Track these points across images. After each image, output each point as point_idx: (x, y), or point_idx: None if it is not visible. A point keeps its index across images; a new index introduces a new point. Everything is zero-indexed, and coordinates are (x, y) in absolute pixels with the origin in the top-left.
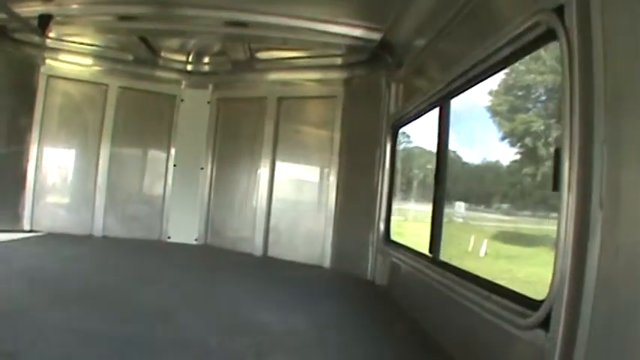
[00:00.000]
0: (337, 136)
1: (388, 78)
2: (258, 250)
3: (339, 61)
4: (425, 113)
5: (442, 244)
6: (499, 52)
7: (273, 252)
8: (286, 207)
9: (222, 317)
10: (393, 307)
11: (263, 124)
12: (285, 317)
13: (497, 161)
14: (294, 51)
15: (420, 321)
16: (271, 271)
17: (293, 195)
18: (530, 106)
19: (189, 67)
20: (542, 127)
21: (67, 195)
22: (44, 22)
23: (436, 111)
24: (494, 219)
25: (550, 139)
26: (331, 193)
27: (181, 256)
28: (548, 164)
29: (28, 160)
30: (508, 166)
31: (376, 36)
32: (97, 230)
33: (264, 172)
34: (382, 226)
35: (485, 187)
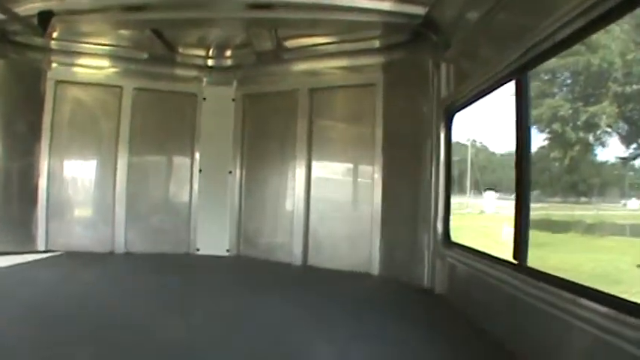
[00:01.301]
0: (379, 128)
1: (436, 59)
2: (297, 259)
3: (376, 43)
4: (490, 92)
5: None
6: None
7: (313, 260)
8: (326, 210)
9: None
10: (464, 323)
11: (295, 120)
12: (359, 352)
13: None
14: (326, 36)
15: (507, 343)
16: (318, 285)
17: (333, 196)
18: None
19: (210, 63)
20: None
21: (83, 210)
22: (44, 19)
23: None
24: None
25: None
26: (376, 192)
27: (213, 271)
28: None
29: (39, 175)
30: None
31: (419, 11)
32: (119, 246)
33: (299, 172)
34: (440, 227)
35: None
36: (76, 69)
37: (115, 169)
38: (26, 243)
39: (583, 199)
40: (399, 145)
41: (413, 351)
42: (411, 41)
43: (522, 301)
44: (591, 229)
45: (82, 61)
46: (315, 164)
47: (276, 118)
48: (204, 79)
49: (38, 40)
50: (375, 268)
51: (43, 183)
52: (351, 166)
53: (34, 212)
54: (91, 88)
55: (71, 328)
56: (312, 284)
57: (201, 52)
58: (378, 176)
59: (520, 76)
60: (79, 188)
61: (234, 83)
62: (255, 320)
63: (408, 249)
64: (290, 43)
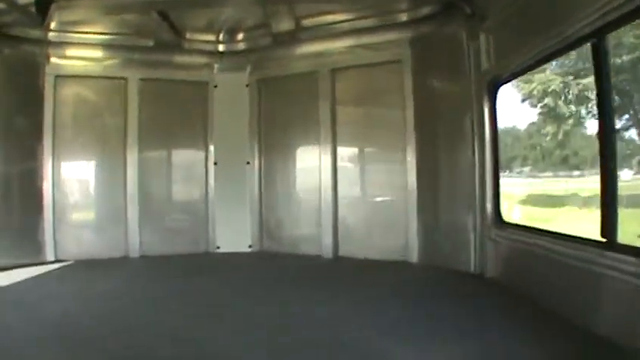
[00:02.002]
0: (409, 107)
1: (471, 30)
2: (327, 251)
3: (402, 17)
4: (551, 59)
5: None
6: None
7: (345, 251)
8: (355, 197)
9: None
10: (539, 311)
11: (316, 104)
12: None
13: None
14: (347, 12)
15: (612, 336)
16: (357, 277)
17: (361, 182)
18: None
19: (220, 47)
20: None
21: (93, 213)
22: (43, 6)
23: None
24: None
25: None
26: (410, 175)
27: (239, 270)
28: None
29: (42, 178)
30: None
31: None
32: (133, 250)
33: (324, 159)
34: (490, 207)
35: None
36: (76, 62)
37: (125, 167)
38: (33, 254)
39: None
40: (433, 124)
41: (509, 350)
42: (440, 13)
43: (620, 281)
44: None
45: (82, 52)
46: (340, 149)
47: (294, 103)
48: (215, 66)
49: (34, 32)
50: (414, 256)
51: (47, 187)
52: (379, 149)
53: (40, 220)
54: (93, 82)
55: (109, 348)
56: (353, 276)
57: (211, 37)
58: (411, 159)
59: (598, 39)
60: (87, 190)
61: (248, 68)
62: (315, 323)
63: (450, 233)
64: (308, 22)
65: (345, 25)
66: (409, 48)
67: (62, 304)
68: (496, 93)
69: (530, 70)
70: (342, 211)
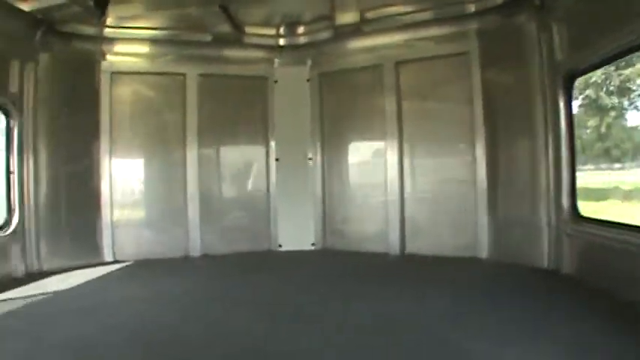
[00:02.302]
0: (478, 100)
1: (542, 21)
2: (394, 248)
3: (469, 8)
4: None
5: None
6: None
7: (412, 248)
8: (423, 192)
9: None
10: (623, 306)
11: (382, 97)
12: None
13: None
14: (412, 4)
15: None
16: (430, 275)
17: (428, 178)
18: None
19: (281, 42)
20: None
21: (152, 213)
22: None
23: None
24: None
25: None
26: (480, 169)
27: (305, 269)
28: None
29: (100, 177)
30: None
31: None
32: (194, 249)
33: (390, 154)
34: (566, 201)
35: None
36: (132, 58)
37: (185, 164)
38: (92, 255)
39: None
40: (503, 117)
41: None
42: (507, 4)
43: None
44: None
45: (138, 48)
46: (406, 144)
47: (357, 98)
48: (275, 60)
49: (89, 29)
50: (483, 252)
51: (105, 186)
52: (447, 143)
53: (98, 220)
54: (151, 78)
55: (196, 354)
56: (425, 274)
57: (271, 31)
58: (480, 153)
59: None
60: (145, 189)
61: (308, 62)
62: (401, 324)
63: (522, 228)
64: (372, 14)
65: (410, 17)
66: (476, 40)
67: (135, 308)
68: (572, 85)
69: (611, 62)
70: (408, 207)
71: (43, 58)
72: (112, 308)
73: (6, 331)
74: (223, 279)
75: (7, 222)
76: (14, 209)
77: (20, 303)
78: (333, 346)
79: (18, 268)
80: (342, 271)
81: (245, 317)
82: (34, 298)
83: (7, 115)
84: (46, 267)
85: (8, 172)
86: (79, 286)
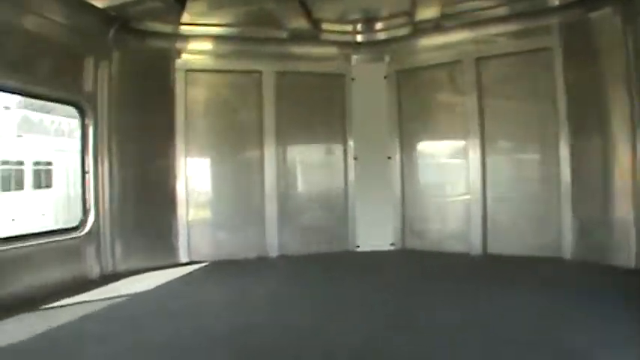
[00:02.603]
0: (561, 96)
1: (628, 13)
2: (475, 248)
3: (553, 1)
4: None
5: None
6: None
7: (494, 247)
8: (504, 191)
9: None
10: None
11: (462, 94)
12: None
13: None
14: None
15: None
16: (520, 275)
17: (511, 176)
18: None
19: (358, 38)
20: None
21: (228, 213)
22: None
23: None
24: None
25: None
26: (564, 167)
27: (388, 270)
28: None
29: (175, 177)
30: None
31: None
32: (272, 249)
33: (472, 153)
34: None
35: None
36: (207, 55)
37: (262, 163)
38: (167, 256)
39: None
40: (588, 114)
41: None
42: None
43: None
44: None
45: (213, 46)
46: (488, 142)
47: (436, 95)
48: (353, 57)
49: (164, 27)
50: (567, 252)
51: (181, 186)
52: (529, 141)
53: (174, 220)
54: (226, 76)
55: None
56: (515, 274)
57: (348, 27)
58: (564, 151)
59: None
60: (221, 189)
61: (386, 59)
62: (510, 325)
63: (607, 228)
64: (452, 9)
65: (491, 12)
66: (559, 35)
67: (220, 310)
68: None
69: None
70: (490, 206)
71: (117, 56)
72: (196, 310)
73: (88, 335)
74: (305, 281)
75: (83, 222)
76: (89, 209)
77: (99, 305)
78: (441, 347)
79: (93, 269)
80: (427, 272)
81: (339, 320)
82: (113, 301)
83: (82, 113)
84: (120, 268)
85: (84, 172)
86: (158, 287)
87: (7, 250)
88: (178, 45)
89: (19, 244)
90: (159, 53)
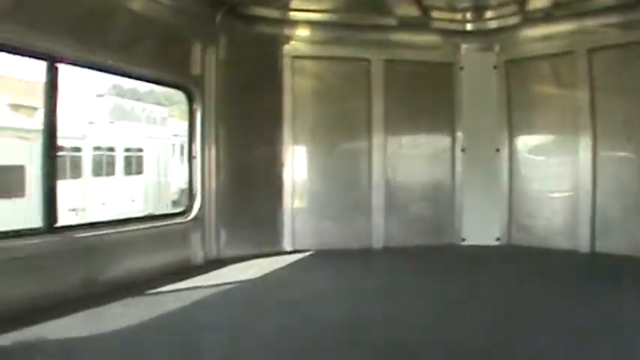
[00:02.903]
0: None
1: None
2: (583, 246)
3: None
4: None
5: None
6: None
7: (602, 246)
8: (614, 188)
9: None
10: None
11: (573, 86)
12: None
13: None
14: None
15: None
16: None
17: (622, 172)
18: None
19: (468, 27)
20: None
21: (333, 202)
22: None
23: None
24: None
25: None
26: None
27: (502, 266)
28: None
29: (282, 164)
30: None
31: None
32: (377, 240)
33: (582, 147)
34: None
35: None
36: (314, 42)
37: (370, 152)
38: (271, 243)
39: None
40: None
41: None
42: None
43: None
44: None
45: (321, 32)
46: (600, 135)
47: (547, 86)
48: (462, 46)
49: (272, 12)
50: None
51: (287, 174)
52: None
53: (279, 208)
54: (334, 63)
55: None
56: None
57: (457, 15)
58: None
59: None
60: (326, 177)
61: (496, 48)
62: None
63: None
64: None
65: (604, 1)
66: None
67: (333, 301)
68: None
69: None
70: (600, 204)
71: (224, 41)
72: (307, 300)
73: (202, 322)
74: (414, 274)
75: (189, 208)
76: (196, 195)
77: (208, 292)
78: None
79: (197, 255)
80: (539, 270)
81: (457, 316)
82: (221, 288)
83: (190, 98)
84: (224, 254)
85: (190, 158)
86: (266, 275)
87: (114, 233)
88: (286, 31)
89: (126, 228)
90: (266, 39)
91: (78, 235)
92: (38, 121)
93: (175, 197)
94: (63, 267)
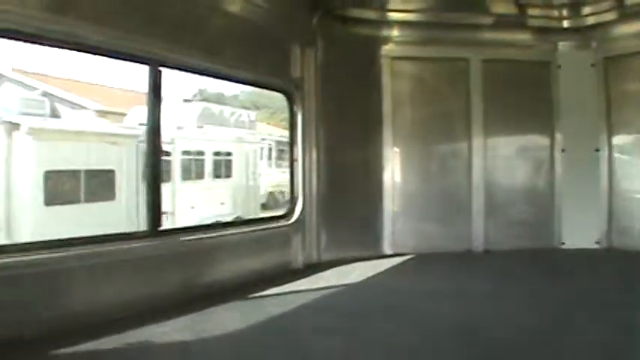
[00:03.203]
0: None
1: None
2: None
3: None
4: None
5: None
6: None
7: None
8: None
9: None
10: None
11: None
12: None
13: None
14: None
15: None
16: None
17: None
18: None
19: (565, 24)
20: None
21: (432, 204)
22: None
23: None
24: None
25: None
26: None
27: (608, 272)
28: None
29: (382, 167)
30: None
31: None
32: (477, 244)
33: None
34: None
35: None
36: (412, 42)
37: (470, 155)
38: (371, 247)
39: None
40: None
41: None
42: None
43: None
44: None
45: (418, 32)
46: None
47: None
48: (559, 44)
49: (369, 13)
50: None
51: (387, 176)
52: None
53: (380, 211)
54: (431, 64)
55: None
56: None
57: (553, 12)
58: None
59: None
60: (427, 179)
61: (593, 46)
62: None
63: None
64: None
65: None
66: None
67: (440, 305)
68: None
69: None
70: None
71: (322, 43)
72: (415, 305)
73: (313, 327)
74: (519, 278)
75: (291, 211)
76: (297, 197)
77: (313, 296)
78: None
79: (298, 258)
80: None
81: (571, 322)
82: (326, 291)
83: (291, 100)
84: (324, 258)
85: (292, 160)
86: (369, 279)
87: (216, 236)
88: (384, 32)
89: (229, 231)
90: (364, 40)
91: (182, 239)
92: (125, 126)
93: (264, 200)
94: (167, 270)
